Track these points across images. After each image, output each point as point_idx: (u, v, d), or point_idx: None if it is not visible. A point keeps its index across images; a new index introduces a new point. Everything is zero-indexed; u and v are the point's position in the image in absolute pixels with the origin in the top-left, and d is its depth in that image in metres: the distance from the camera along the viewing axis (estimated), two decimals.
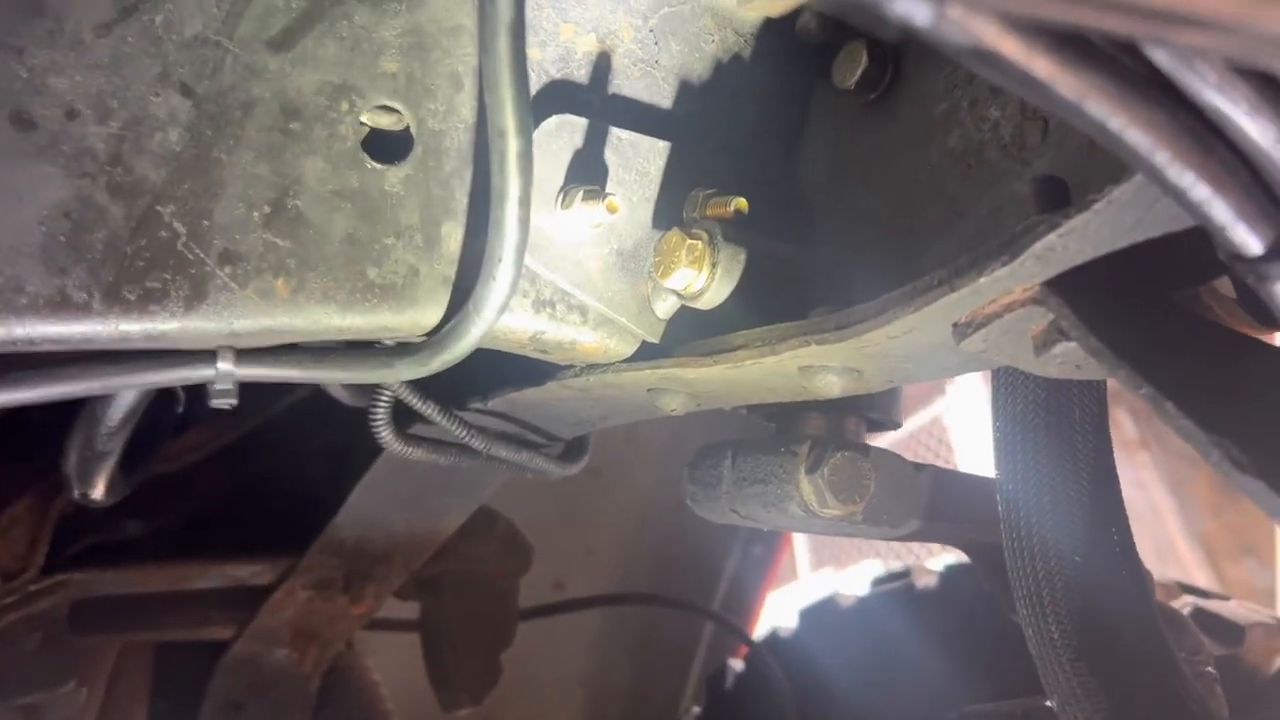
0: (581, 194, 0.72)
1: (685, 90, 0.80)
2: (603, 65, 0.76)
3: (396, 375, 0.73)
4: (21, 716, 1.34)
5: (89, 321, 0.62)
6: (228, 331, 0.66)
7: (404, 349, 0.73)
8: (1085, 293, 0.55)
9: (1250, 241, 0.40)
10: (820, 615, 2.01)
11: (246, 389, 1.40)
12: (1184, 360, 0.54)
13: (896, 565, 2.07)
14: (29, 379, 0.66)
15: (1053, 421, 0.68)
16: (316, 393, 1.40)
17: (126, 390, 0.85)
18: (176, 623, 1.49)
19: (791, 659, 1.98)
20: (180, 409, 1.21)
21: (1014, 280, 0.55)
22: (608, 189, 0.75)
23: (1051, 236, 0.52)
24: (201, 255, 0.65)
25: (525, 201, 0.63)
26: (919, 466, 0.88)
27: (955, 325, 0.60)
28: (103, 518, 1.44)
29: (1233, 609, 1.57)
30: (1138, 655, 0.65)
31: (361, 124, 0.69)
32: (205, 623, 1.50)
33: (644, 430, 2.49)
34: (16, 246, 0.60)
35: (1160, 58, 0.36)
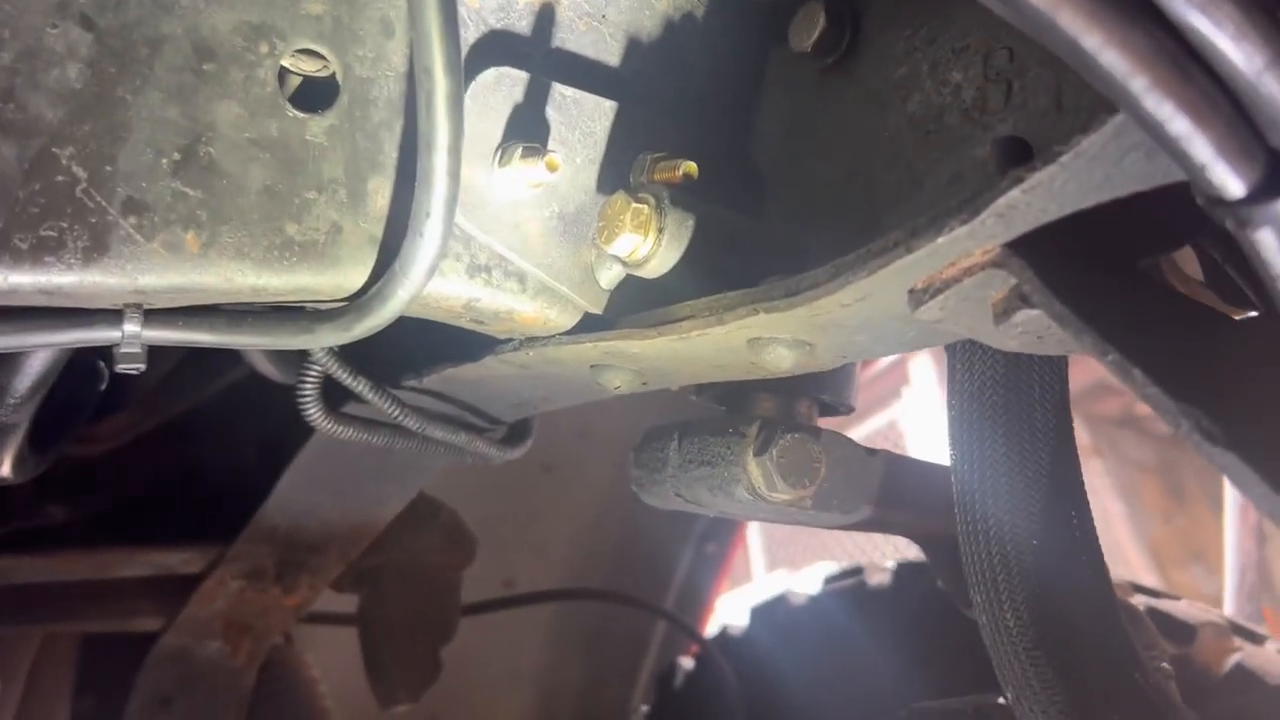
0: (520, 151, 0.68)
1: (634, 48, 0.76)
2: (546, 17, 0.72)
3: (317, 341, 0.68)
4: None
5: None
6: (132, 288, 0.61)
7: (326, 313, 0.68)
8: (1047, 257, 0.52)
9: (1231, 182, 0.36)
10: (771, 613, 1.97)
11: (178, 371, 1.34)
12: (1150, 329, 0.51)
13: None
14: None
15: (1011, 398, 0.64)
16: (249, 378, 1.34)
17: (29, 354, 0.79)
18: (102, 612, 1.42)
19: (743, 657, 1.95)
20: (104, 385, 1.15)
21: (974, 241, 0.51)
22: (549, 147, 0.70)
23: (1015, 192, 0.48)
24: (103, 203, 0.59)
25: (456, 150, 0.59)
26: (872, 451, 0.84)
27: (911, 292, 0.56)
28: (24, 501, 1.37)
29: (1184, 609, 1.56)
30: (1096, 645, 0.62)
31: (283, 68, 0.64)
32: (132, 613, 1.44)
33: (598, 426, 2.45)
34: None
35: None
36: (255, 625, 1.46)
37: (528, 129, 0.70)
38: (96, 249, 0.59)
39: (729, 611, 2.38)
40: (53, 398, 0.92)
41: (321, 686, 1.79)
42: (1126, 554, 6.11)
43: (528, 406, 0.98)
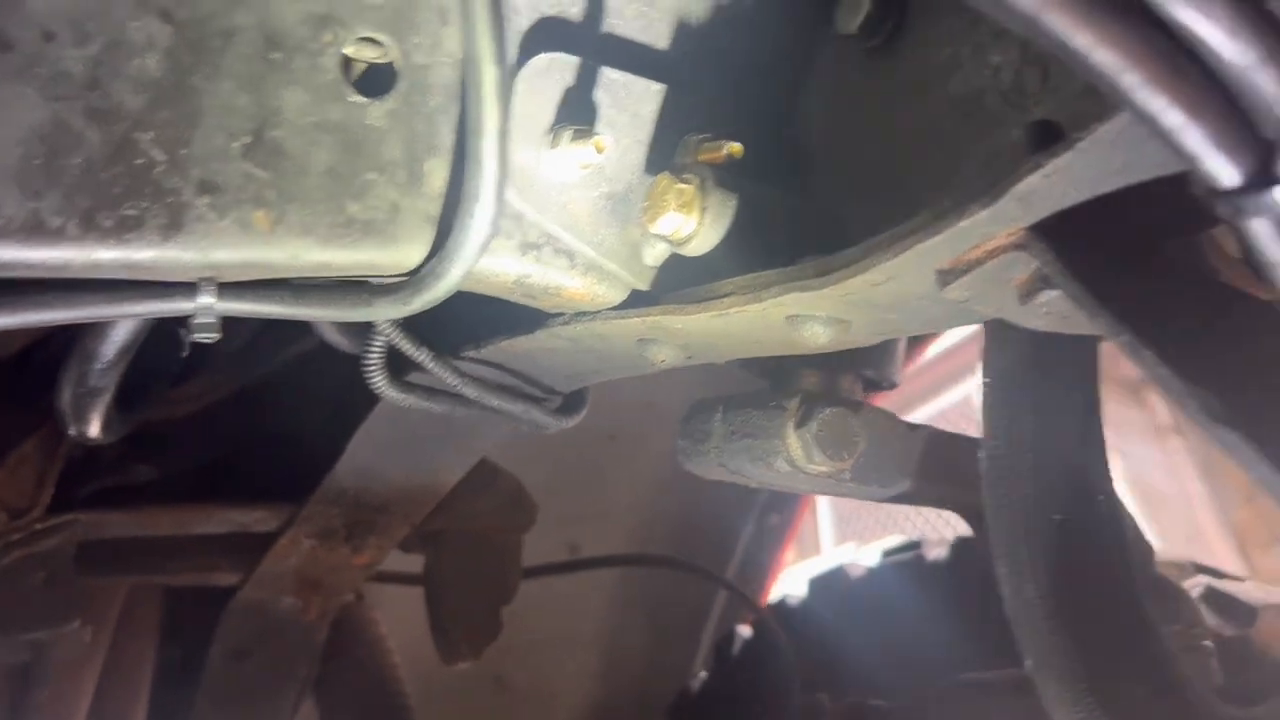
0: (570, 133, 0.71)
1: (682, 31, 0.78)
2: (596, 3, 0.75)
3: (377, 314, 0.72)
4: (29, 651, 1.36)
5: (63, 247, 0.62)
6: (205, 263, 0.66)
7: (385, 288, 0.72)
8: (1072, 239, 0.53)
9: (1226, 171, 0.38)
10: (829, 584, 2.00)
11: (254, 341, 1.40)
12: (1172, 311, 0.52)
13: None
14: (3, 304, 0.66)
15: (1041, 378, 0.66)
16: (320, 347, 1.40)
17: (116, 322, 0.85)
18: (183, 567, 1.50)
19: (799, 627, 1.98)
20: (185, 353, 1.22)
21: (995, 224, 0.53)
22: (598, 130, 0.73)
23: (1034, 177, 0.50)
24: (179, 184, 0.64)
25: (503, 135, 0.62)
26: (914, 427, 0.86)
27: (939, 272, 0.58)
28: (112, 461, 1.45)
29: (1247, 590, 1.54)
30: (1113, 617, 0.63)
31: (345, 56, 0.68)
32: (211, 568, 1.52)
33: (661, 398, 2.48)
34: None
35: None
36: (326, 582, 1.53)
37: (577, 112, 0.73)
38: (173, 226, 0.64)
39: (793, 582, 2.41)
40: (138, 364, 0.98)
41: (389, 643, 1.86)
42: (1208, 536, 5.96)
43: (580, 378, 1.01)
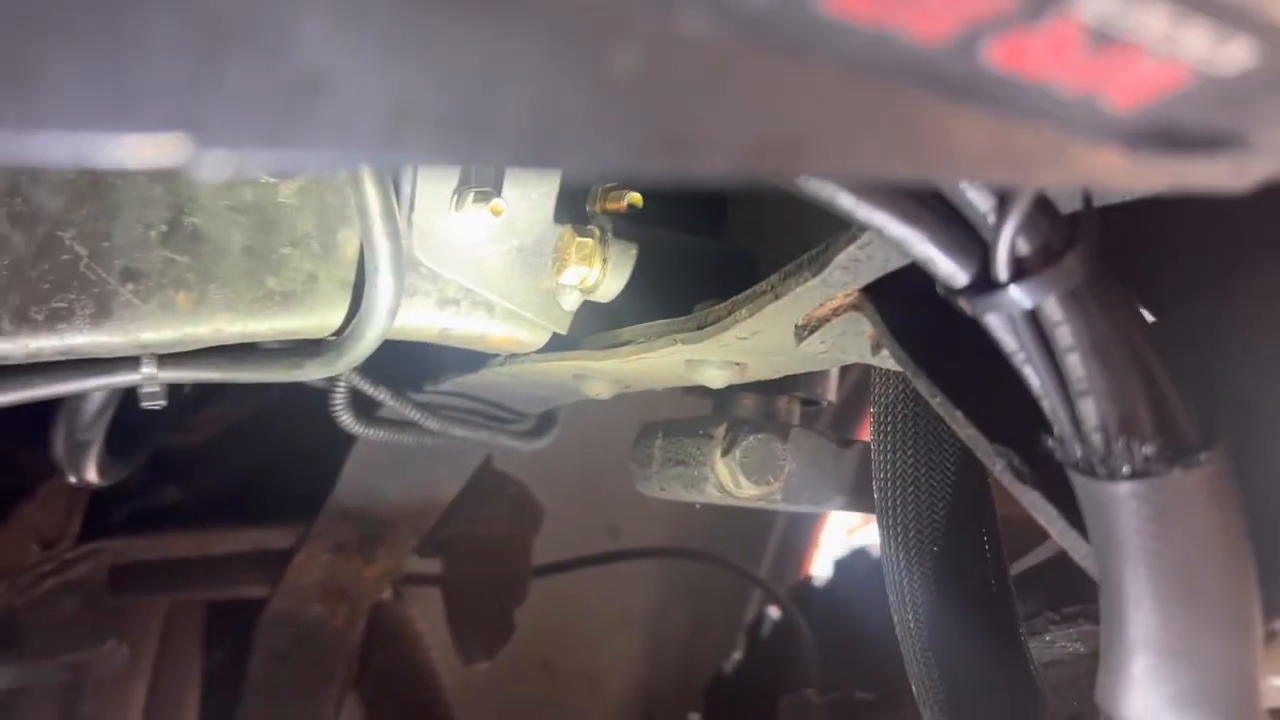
0: (473, 196, 0.74)
1: None
2: None
3: (306, 375, 0.77)
4: (70, 673, 1.45)
5: (1, 341, 0.67)
6: (136, 344, 0.71)
7: (313, 349, 0.77)
8: (905, 298, 0.56)
9: (955, 274, 0.40)
10: (851, 565, 2.02)
11: None
12: (996, 370, 0.54)
13: None
14: None
15: (919, 412, 0.68)
16: None
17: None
18: (212, 583, 1.58)
19: (823, 607, 2.00)
20: (186, 390, 1.29)
21: (827, 289, 0.55)
22: (505, 188, 0.76)
23: (852, 248, 0.52)
24: (103, 275, 0.69)
25: (388, 215, 0.66)
26: (847, 443, 0.88)
27: (796, 327, 0.61)
28: (140, 485, 1.54)
29: None
30: (990, 649, 0.66)
31: None
32: (240, 582, 1.60)
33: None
34: None
35: None
36: (349, 591, 1.60)
37: (484, 172, 0.76)
38: (101, 314, 0.69)
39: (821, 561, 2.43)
40: (134, 411, 1.05)
41: (427, 640, 1.93)
42: None
43: (543, 403, 1.05)
